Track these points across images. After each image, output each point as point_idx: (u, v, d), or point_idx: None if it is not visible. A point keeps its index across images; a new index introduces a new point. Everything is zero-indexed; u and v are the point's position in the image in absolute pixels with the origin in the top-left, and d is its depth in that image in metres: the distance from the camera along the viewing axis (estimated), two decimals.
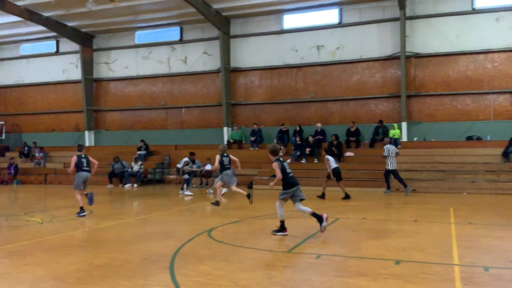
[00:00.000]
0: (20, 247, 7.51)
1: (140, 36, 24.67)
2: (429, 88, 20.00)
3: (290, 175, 8.34)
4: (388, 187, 15.80)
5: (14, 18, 22.27)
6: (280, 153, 17.25)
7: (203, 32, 23.25)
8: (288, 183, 8.24)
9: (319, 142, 20.13)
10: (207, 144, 22.38)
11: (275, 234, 8.29)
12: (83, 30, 24.52)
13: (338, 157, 19.13)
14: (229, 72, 22.70)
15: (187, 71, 23.64)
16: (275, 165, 8.25)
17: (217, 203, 12.46)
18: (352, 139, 20.13)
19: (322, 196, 14.37)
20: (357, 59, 20.93)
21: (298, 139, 20.22)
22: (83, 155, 11.52)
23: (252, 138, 21.54)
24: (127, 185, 20.05)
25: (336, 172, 14.26)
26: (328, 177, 14.48)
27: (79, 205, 11.19)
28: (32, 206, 13.38)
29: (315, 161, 19.57)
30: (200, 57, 23.35)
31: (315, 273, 5.83)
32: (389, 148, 15.51)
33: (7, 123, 26.65)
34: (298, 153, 19.90)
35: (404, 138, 19.89)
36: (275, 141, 21.02)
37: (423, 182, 16.79)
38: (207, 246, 7.43)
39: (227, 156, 12.30)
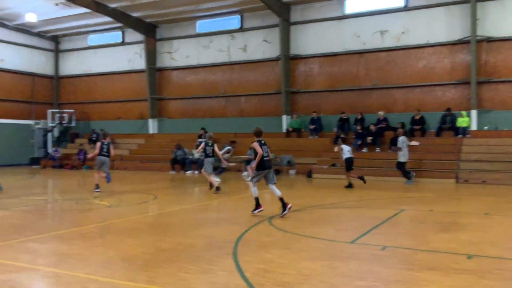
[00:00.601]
0: (91, 230, 7.86)
1: (201, 25, 24.98)
2: (502, 74, 18.76)
3: (266, 158, 9.06)
4: (409, 177, 15.61)
5: (82, 10, 23.23)
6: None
7: (263, 20, 23.14)
8: (261, 165, 9.00)
9: (382, 131, 19.53)
10: (266, 132, 22.35)
11: (254, 213, 8.98)
12: (147, 20, 25.18)
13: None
14: (289, 59, 22.49)
15: (246, 59, 23.68)
16: (255, 144, 9.08)
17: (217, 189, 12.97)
18: (417, 127, 19.34)
19: (349, 186, 14.22)
20: (423, 44, 19.99)
21: (359, 127, 19.73)
22: (105, 142, 13.33)
23: (312, 127, 21.27)
24: (188, 172, 20.52)
25: (349, 162, 14.17)
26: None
27: (95, 182, 13.19)
28: (100, 191, 13.99)
29: (377, 150, 19.03)
30: (260, 45, 23.29)
31: (381, 265, 5.64)
32: (404, 140, 15.40)
33: (76, 111, 28.04)
34: (359, 142, 19.42)
35: (474, 127, 18.83)
36: (335, 129, 20.64)
37: (494, 174, 15.85)
38: (269, 234, 7.42)
39: (212, 145, 12.20)
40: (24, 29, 26.83)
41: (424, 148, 18.25)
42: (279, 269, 5.38)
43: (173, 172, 20.78)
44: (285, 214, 8.84)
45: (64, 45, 29.23)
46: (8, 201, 11.59)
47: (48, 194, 14.25)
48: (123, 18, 24.23)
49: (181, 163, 21.09)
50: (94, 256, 6.01)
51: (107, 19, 24.47)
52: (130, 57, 26.87)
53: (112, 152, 13.68)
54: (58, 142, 27.47)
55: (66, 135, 28.12)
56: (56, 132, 28.01)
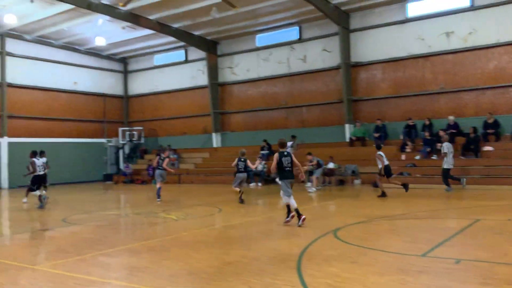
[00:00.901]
0: (158, 243, 8.07)
1: (261, 39, 25.27)
2: None
3: (287, 169, 9.33)
4: (448, 184, 15.07)
5: (147, 32, 24.35)
6: (408, 149, 16.49)
7: (322, 29, 23.00)
8: (282, 175, 9.38)
9: (452, 136, 18.60)
10: (329, 142, 22.11)
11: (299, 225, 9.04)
12: (208, 37, 25.87)
13: (475, 152, 17.51)
14: (350, 67, 22.13)
15: (306, 70, 23.59)
16: (276, 155, 9.44)
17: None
18: (490, 131, 18.23)
19: (383, 195, 13.92)
20: (493, 44, 18.90)
21: (427, 133, 18.92)
22: (162, 157, 15.15)
23: (376, 135, 20.71)
24: (251, 184, 20.64)
25: (387, 169, 14.11)
26: (380, 173, 14.24)
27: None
28: (168, 204, 14.41)
29: None
30: (319, 55, 23.14)
31: (456, 280, 5.30)
32: (449, 146, 15.03)
33: (145, 128, 29.25)
34: (428, 149, 18.61)
35: None
36: (401, 136, 19.96)
37: None
38: (333, 247, 7.24)
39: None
40: (94, 52, 28.52)
41: (498, 153, 17.15)
42: (345, 284, 5.21)
43: None
44: (287, 222, 9.32)
45: (132, 65, 30.71)
46: (82, 216, 12.22)
47: (120, 209, 14.88)
48: (186, 37, 25.06)
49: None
50: (161, 270, 6.14)
51: (171, 39, 25.45)
52: (193, 74, 27.68)
53: (164, 165, 15.23)
54: (129, 158, 28.75)
55: (136, 152, 29.37)
56: (127, 149, 29.34)
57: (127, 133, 28.67)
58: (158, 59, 29.46)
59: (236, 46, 26.08)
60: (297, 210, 9.13)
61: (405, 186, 14.23)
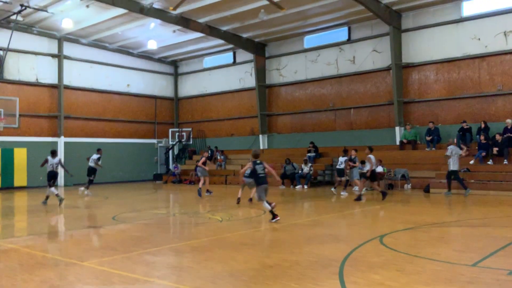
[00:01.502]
0: (202, 243, 8.15)
1: (309, 40, 25.08)
2: None
3: (261, 175, 10.57)
4: (449, 188, 15.83)
5: (197, 35, 24.78)
6: (462, 153, 15.98)
7: (372, 30, 22.52)
8: (257, 181, 10.59)
9: (510, 141, 17.65)
10: (378, 145, 21.59)
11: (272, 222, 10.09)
12: (256, 40, 25.98)
13: None
14: (401, 68, 21.52)
15: (355, 71, 23.17)
16: (249, 164, 10.79)
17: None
18: None
19: (359, 198, 14.64)
20: None
21: (482, 137, 18.05)
22: (258, 161, 14.83)
23: (428, 138, 20.00)
24: (298, 186, 20.52)
25: (373, 173, 15.05)
26: (365, 177, 15.12)
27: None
28: (214, 205, 14.57)
29: (505, 162, 17.20)
30: (369, 56, 22.66)
31: None
32: (453, 149, 15.71)
33: (193, 130, 29.79)
34: (484, 153, 17.75)
35: None
36: (454, 140, 19.16)
37: None
38: (378, 253, 7.02)
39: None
40: (146, 55, 29.35)
41: None
42: None
43: (283, 187, 20.92)
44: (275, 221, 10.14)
45: (182, 68, 31.36)
46: (131, 215, 12.58)
47: (167, 208, 15.20)
48: (234, 40, 25.29)
49: (291, 178, 21.17)
50: (203, 270, 6.19)
51: (219, 41, 25.78)
52: (241, 76, 27.89)
53: (200, 163, 17.11)
54: (178, 159, 29.37)
55: (185, 152, 29.96)
56: (176, 150, 29.98)
57: (177, 134, 29.31)
58: (207, 61, 29.92)
59: (284, 48, 26.03)
60: (271, 211, 10.29)
61: (384, 194, 14.71)
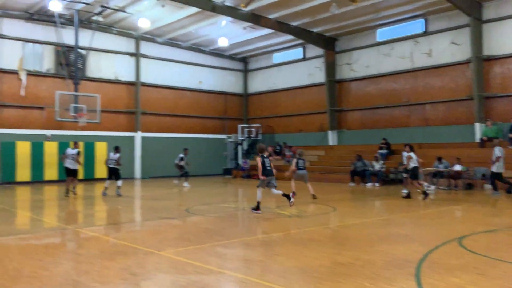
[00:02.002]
0: (271, 238, 8.20)
1: (382, 34, 24.34)
2: None
3: (268, 168, 11.43)
4: (496, 188, 15.33)
5: (267, 31, 24.92)
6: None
7: (450, 21, 21.41)
8: (264, 173, 11.32)
9: None
10: (455, 142, 20.55)
11: (252, 212, 11.21)
12: (327, 34, 25.63)
13: None
14: (482, 61, 20.27)
15: (432, 65, 22.16)
16: (258, 159, 11.43)
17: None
18: None
19: (408, 196, 14.44)
20: None
21: None
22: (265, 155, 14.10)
23: (511, 135, 18.70)
24: (368, 184, 20.02)
25: (415, 171, 14.42)
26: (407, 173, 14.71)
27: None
28: (282, 201, 14.58)
29: None
30: (447, 48, 21.58)
31: None
32: (500, 150, 15.09)
33: (262, 125, 30.03)
34: None
35: None
36: None
37: None
38: (457, 256, 6.68)
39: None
40: (217, 53, 29.97)
41: None
42: None
43: (353, 184, 20.52)
44: (293, 202, 11.45)
45: (252, 64, 31.67)
46: (203, 208, 12.93)
47: (237, 202, 15.45)
48: (304, 35, 25.13)
49: (361, 175, 20.70)
50: (274, 265, 6.22)
51: (289, 37, 25.76)
52: (311, 71, 27.66)
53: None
54: (247, 154, 29.75)
55: (253, 148, 30.26)
56: (245, 145, 30.40)
57: (246, 129, 29.71)
58: (277, 57, 29.98)
59: (355, 42, 25.46)
60: (284, 194, 11.41)
61: (425, 194, 14.21)
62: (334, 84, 26.33)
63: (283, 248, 7.26)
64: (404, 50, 23.24)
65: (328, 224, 10.29)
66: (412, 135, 22.51)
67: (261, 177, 11.44)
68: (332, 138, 26.37)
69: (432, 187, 16.23)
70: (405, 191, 14.92)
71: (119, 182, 15.91)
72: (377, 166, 20.39)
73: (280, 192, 11.49)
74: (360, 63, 25.26)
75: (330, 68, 26.18)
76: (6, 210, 13.09)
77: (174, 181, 21.14)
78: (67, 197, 15.65)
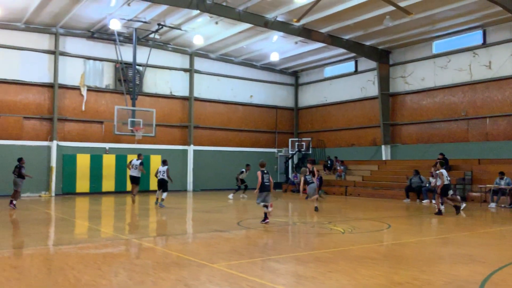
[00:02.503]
0: (324, 254, 8.06)
1: (438, 46, 23.64)
2: None
3: (266, 184, 11.99)
4: None
5: (318, 45, 24.86)
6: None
7: (511, 32, 20.48)
8: (261, 188, 11.95)
9: None
10: None
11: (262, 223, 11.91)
12: (380, 47, 25.23)
13: None
14: None
15: (492, 77, 21.22)
16: (258, 173, 12.11)
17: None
18: None
19: (439, 213, 14.36)
20: None
21: None
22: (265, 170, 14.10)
23: None
24: (425, 201, 19.31)
25: (446, 188, 14.43)
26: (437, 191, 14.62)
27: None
28: (334, 216, 14.36)
29: None
30: (508, 60, 20.60)
31: None
32: None
33: (313, 139, 29.82)
34: None
35: None
36: None
37: None
38: None
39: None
40: (268, 67, 30.21)
41: None
42: None
43: (408, 200, 19.88)
44: (265, 222, 11.94)
45: (303, 78, 31.66)
46: (254, 221, 12.93)
47: (288, 217, 15.35)
48: (356, 48, 24.86)
49: (417, 191, 20.02)
50: (328, 282, 6.10)
51: (341, 50, 25.57)
52: (363, 84, 27.27)
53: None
54: (297, 168, 29.58)
55: (304, 162, 30.05)
56: (295, 159, 30.27)
57: (296, 143, 29.61)
58: (328, 71, 29.81)
59: (410, 55, 24.88)
60: (265, 214, 12.05)
61: (457, 208, 14.47)
62: (388, 98, 25.78)
63: (336, 265, 7.11)
64: (462, 62, 22.43)
65: (383, 242, 10.00)
66: (471, 150, 21.58)
67: (256, 192, 12.07)
68: (385, 152, 25.74)
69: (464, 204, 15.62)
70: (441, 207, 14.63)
71: (164, 195, 16.71)
72: (434, 182, 19.62)
73: (268, 210, 11.95)
74: (415, 76, 24.62)
75: (384, 81, 25.68)
76: (67, 220, 13.70)
77: (229, 195, 21.58)
78: (133, 202, 17.62)
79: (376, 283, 6.00)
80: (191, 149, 26.98)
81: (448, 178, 14.63)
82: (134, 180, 17.82)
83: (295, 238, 10.68)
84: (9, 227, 11.58)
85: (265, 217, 12.02)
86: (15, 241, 9.48)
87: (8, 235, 10.35)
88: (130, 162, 18.18)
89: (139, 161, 17.81)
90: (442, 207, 14.62)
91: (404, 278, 6.28)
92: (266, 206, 11.92)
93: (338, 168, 25.88)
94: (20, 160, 16.37)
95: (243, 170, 22.11)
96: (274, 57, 26.78)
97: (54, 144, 22.79)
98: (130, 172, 17.90)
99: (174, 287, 5.81)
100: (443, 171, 14.54)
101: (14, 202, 15.90)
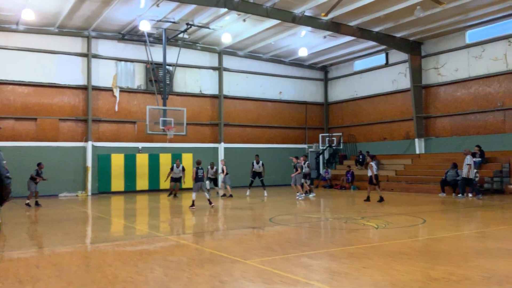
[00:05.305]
0: (358, 250, 7.99)
1: (471, 35, 22.97)
2: None
3: (199, 176, 15.36)
4: None
5: (348, 38, 24.56)
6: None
7: None
8: (196, 180, 15.39)
9: None
10: None
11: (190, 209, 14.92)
12: (411, 38, 24.71)
13: None
14: None
15: None
16: (193, 170, 15.48)
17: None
18: None
19: (368, 199, 16.98)
20: None
21: None
22: (200, 167, 15.70)
23: None
24: (460, 195, 18.82)
25: (377, 177, 17.11)
26: (371, 182, 16.95)
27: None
28: (367, 211, 14.20)
29: None
30: None
31: None
32: None
33: (344, 134, 29.52)
34: None
35: None
36: None
37: None
38: None
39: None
40: (297, 63, 30.06)
41: None
42: None
43: (443, 195, 19.43)
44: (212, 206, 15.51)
45: (332, 73, 31.37)
46: (286, 217, 12.95)
47: (320, 213, 15.28)
48: (387, 40, 24.43)
49: (453, 185, 19.53)
50: (362, 277, 6.05)
51: (371, 43, 25.19)
52: (394, 77, 26.80)
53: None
54: (328, 163, 29.39)
55: (335, 157, 29.84)
56: (326, 155, 30.06)
57: (327, 139, 29.38)
58: (358, 64, 29.43)
59: (442, 45, 24.27)
60: (193, 202, 15.45)
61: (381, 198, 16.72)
62: (421, 90, 25.24)
63: (370, 261, 7.04)
64: (497, 51, 21.72)
65: (418, 237, 9.83)
66: (508, 142, 20.91)
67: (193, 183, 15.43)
68: (419, 146, 25.23)
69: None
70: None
71: (207, 194, 16.62)
72: (471, 174, 19.10)
73: (193, 197, 15.55)
74: (448, 67, 24.01)
75: (416, 73, 25.16)
76: (103, 218, 14.06)
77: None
78: (175, 197, 20.13)
79: (411, 279, 5.91)
80: (221, 146, 27.17)
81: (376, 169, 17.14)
82: (177, 179, 20.67)
83: (328, 234, 10.63)
84: (49, 226, 11.98)
85: (193, 204, 15.35)
86: (54, 239, 9.80)
87: (48, 234, 10.71)
88: (172, 168, 20.95)
89: (181, 166, 20.98)
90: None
91: (440, 273, 6.16)
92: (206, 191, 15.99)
93: (371, 163, 25.47)
94: (38, 164, 17.32)
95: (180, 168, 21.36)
96: (303, 53, 26.62)
97: (89, 144, 23.39)
98: (173, 175, 20.63)
99: (208, 283, 5.88)
100: (372, 163, 17.18)
101: (27, 201, 16.90)
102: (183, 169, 21.11)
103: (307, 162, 20.40)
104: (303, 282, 5.86)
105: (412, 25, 22.51)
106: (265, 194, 21.00)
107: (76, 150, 23.30)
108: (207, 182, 19.44)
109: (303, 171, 19.85)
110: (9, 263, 7.32)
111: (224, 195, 20.63)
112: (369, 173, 17.01)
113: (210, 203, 15.75)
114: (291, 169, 28.91)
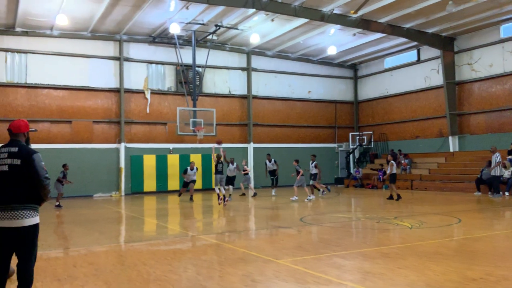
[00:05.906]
0: (392, 250, 7.87)
1: (506, 29, 22.27)
2: None
3: (219, 170, 16.47)
4: None
5: (377, 35, 24.22)
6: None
7: None
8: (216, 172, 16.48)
9: None
10: None
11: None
12: (443, 34, 24.16)
13: None
14: None
15: None
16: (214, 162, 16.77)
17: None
18: None
19: (398, 198, 17.04)
20: None
21: None
22: (220, 161, 16.76)
23: None
24: (496, 194, 18.27)
25: (393, 176, 17.33)
26: (393, 180, 17.28)
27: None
28: (400, 211, 13.98)
29: None
30: None
31: None
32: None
33: (374, 133, 29.13)
34: None
35: None
36: None
37: None
38: None
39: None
40: (326, 61, 29.85)
41: None
42: None
43: (479, 193, 18.92)
44: (223, 203, 15.91)
45: (362, 71, 31.00)
46: (317, 217, 12.88)
47: (351, 212, 15.13)
48: (418, 36, 23.97)
49: (488, 184, 18.99)
50: (397, 278, 5.97)
51: (401, 40, 24.78)
52: (426, 74, 26.26)
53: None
54: (358, 162, 29.06)
55: (366, 156, 29.49)
56: (356, 153, 29.73)
57: (357, 137, 29.07)
58: (388, 62, 28.97)
59: (476, 40, 23.63)
60: (218, 195, 15.96)
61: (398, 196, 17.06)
62: (454, 86, 24.65)
63: (405, 261, 6.93)
64: None
65: (453, 236, 9.61)
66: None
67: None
68: (453, 144, 24.64)
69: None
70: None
71: (230, 189, 18.50)
72: (507, 173, 18.57)
73: (218, 191, 16.07)
74: (482, 63, 23.36)
75: (449, 69, 24.58)
76: (137, 218, 14.33)
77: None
78: (191, 201, 18.99)
79: (447, 279, 5.79)
80: (251, 146, 27.25)
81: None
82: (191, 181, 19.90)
83: (360, 233, 10.52)
84: (84, 226, 12.30)
85: (219, 197, 15.94)
86: (90, 239, 10.05)
87: (84, 234, 10.99)
88: (186, 171, 20.10)
89: (195, 168, 20.11)
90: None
91: (477, 273, 6.01)
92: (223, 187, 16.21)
93: (403, 161, 25.09)
94: (64, 166, 17.78)
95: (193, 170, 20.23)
96: (332, 51, 26.39)
97: (122, 146, 23.88)
98: (188, 179, 19.90)
99: (241, 282, 5.92)
100: (393, 161, 17.34)
101: (57, 202, 17.37)
102: (196, 170, 20.21)
103: (315, 162, 19.70)
104: (336, 282, 5.82)
105: (444, 20, 22.00)
106: (273, 193, 21.21)
107: (110, 151, 23.82)
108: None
109: (311, 172, 19.41)
110: (47, 262, 7.55)
111: (243, 194, 21.01)
112: (388, 171, 17.42)
113: (224, 200, 16.20)
114: (321, 168, 28.81)
